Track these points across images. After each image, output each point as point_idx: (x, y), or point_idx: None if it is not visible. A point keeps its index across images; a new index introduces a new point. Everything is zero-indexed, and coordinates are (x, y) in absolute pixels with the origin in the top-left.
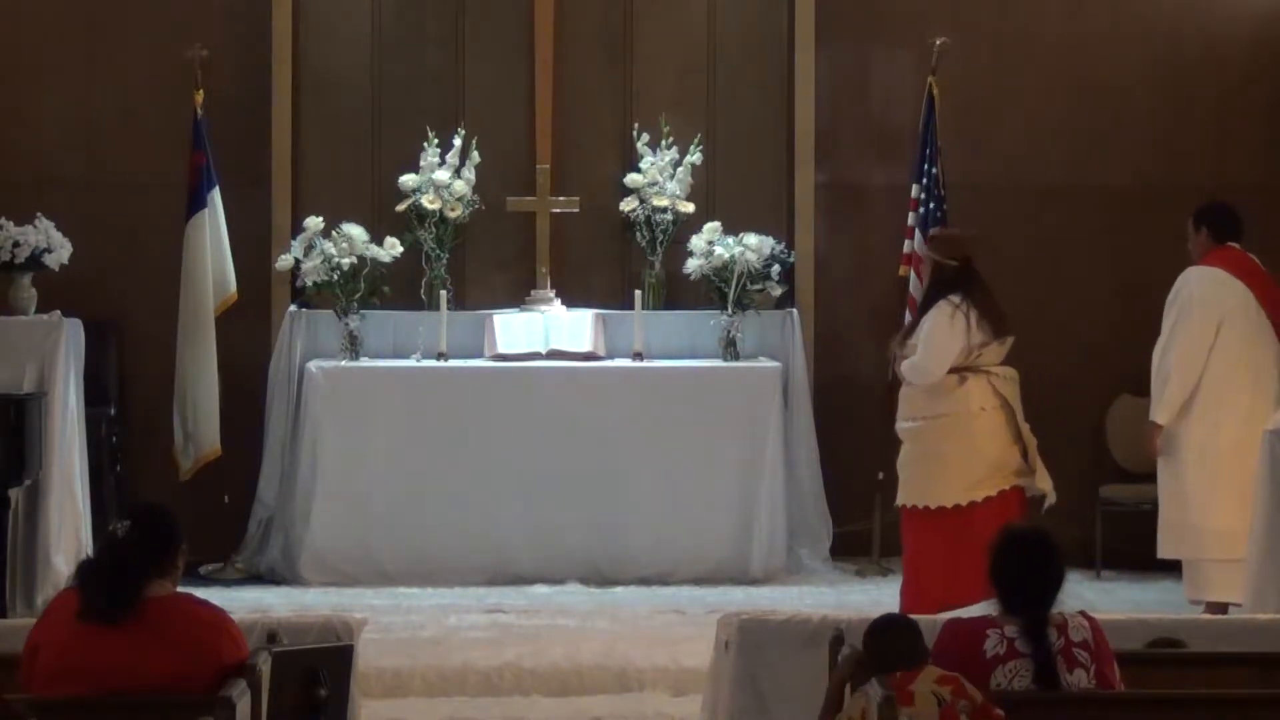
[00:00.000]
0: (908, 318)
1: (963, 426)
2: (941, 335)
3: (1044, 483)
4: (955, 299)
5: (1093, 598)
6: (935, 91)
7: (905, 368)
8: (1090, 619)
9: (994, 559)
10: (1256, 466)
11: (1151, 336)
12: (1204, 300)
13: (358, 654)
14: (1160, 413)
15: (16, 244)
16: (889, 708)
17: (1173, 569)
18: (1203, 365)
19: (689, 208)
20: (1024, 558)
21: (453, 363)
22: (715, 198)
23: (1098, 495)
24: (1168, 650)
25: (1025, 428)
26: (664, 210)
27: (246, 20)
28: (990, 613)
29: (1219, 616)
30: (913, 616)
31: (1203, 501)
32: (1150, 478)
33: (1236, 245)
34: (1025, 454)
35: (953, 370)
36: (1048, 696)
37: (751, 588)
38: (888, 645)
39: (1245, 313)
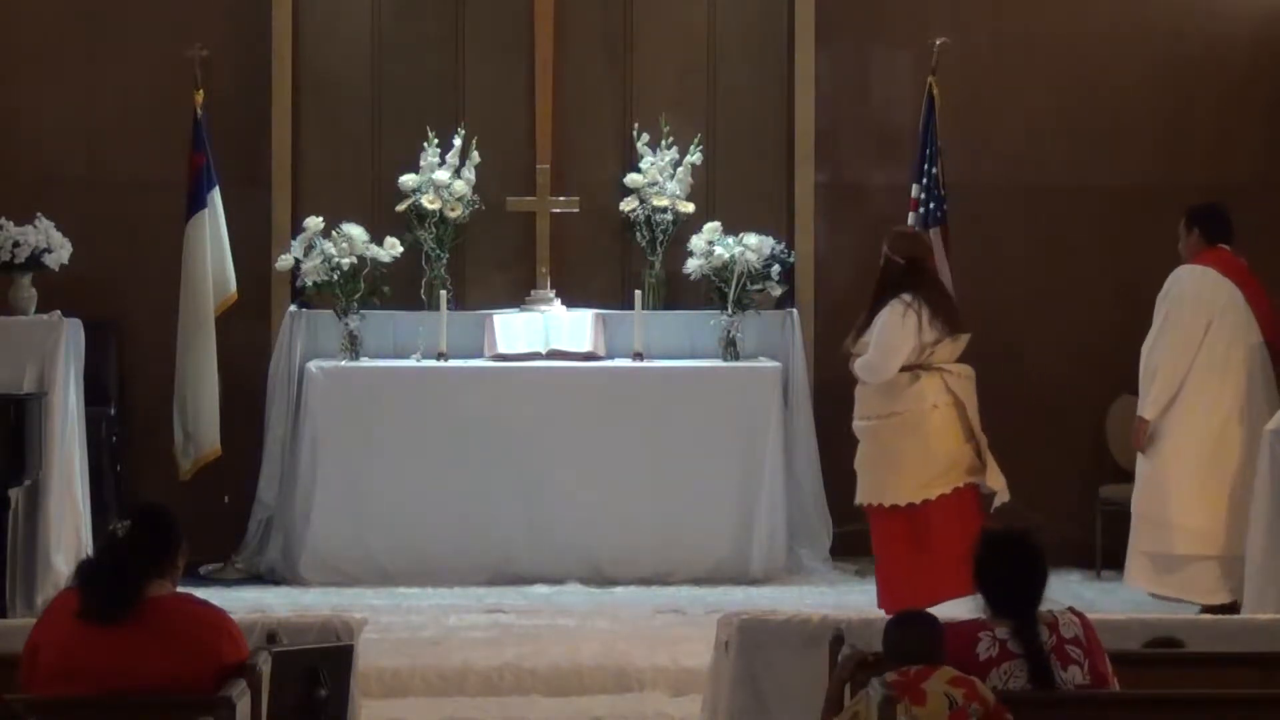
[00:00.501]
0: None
1: (916, 424)
2: (893, 334)
3: (996, 480)
4: (907, 297)
5: (1092, 597)
6: (935, 91)
7: (858, 366)
8: (1080, 615)
9: (978, 563)
10: (1233, 463)
11: None
12: (1194, 298)
13: (358, 654)
14: (1148, 408)
15: (16, 244)
16: (889, 707)
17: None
18: (1190, 362)
19: (689, 208)
20: (1008, 559)
21: (453, 363)
22: (715, 198)
23: (1098, 495)
24: (1168, 650)
25: (978, 425)
26: (664, 210)
27: (246, 20)
28: (980, 615)
29: (1219, 617)
30: (927, 613)
31: (1181, 497)
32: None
33: (1227, 247)
34: (979, 451)
35: (906, 368)
36: (1048, 696)
37: (751, 588)
38: (907, 639)
39: (1234, 312)
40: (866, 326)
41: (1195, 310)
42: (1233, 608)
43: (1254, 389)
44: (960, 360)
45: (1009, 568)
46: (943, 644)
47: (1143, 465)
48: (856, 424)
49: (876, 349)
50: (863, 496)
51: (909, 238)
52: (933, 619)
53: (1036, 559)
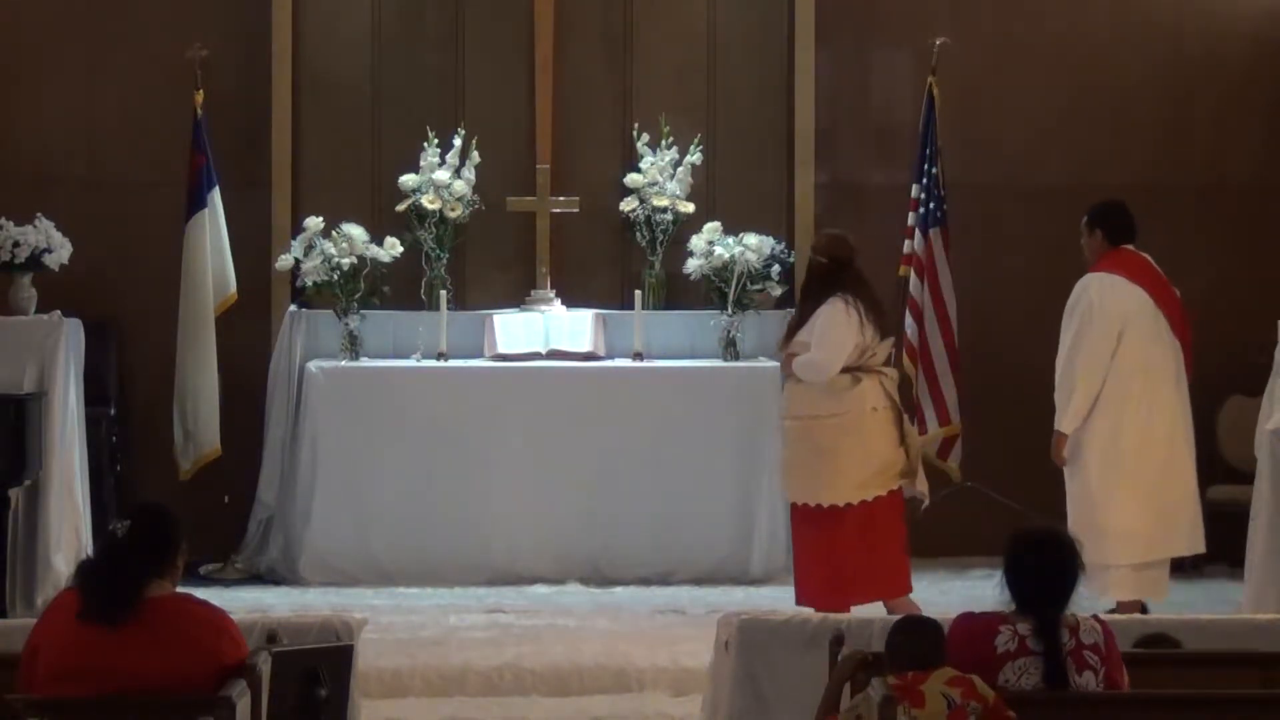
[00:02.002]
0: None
1: (856, 425)
2: (838, 331)
3: (922, 485)
4: (846, 296)
5: (1090, 597)
6: (935, 91)
7: (800, 365)
8: (1103, 622)
9: (1011, 557)
10: (1159, 466)
11: None
12: (1103, 308)
13: (358, 654)
14: (1066, 421)
15: (16, 244)
16: (889, 707)
17: (1173, 570)
18: (1106, 371)
19: (689, 208)
20: (1042, 557)
21: (453, 363)
22: (715, 198)
23: None
24: (1168, 650)
25: (912, 429)
26: (664, 210)
27: (246, 20)
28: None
29: (1218, 617)
30: (930, 619)
31: (1106, 504)
32: None
33: (1131, 247)
34: (908, 454)
35: (845, 369)
36: (1050, 695)
37: (751, 588)
38: (909, 645)
39: (1145, 316)
40: (799, 327)
41: (1106, 320)
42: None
43: (1172, 391)
44: (957, 362)
45: (1041, 565)
46: (944, 649)
47: (1070, 479)
48: (787, 423)
49: (822, 347)
50: (796, 496)
51: (835, 238)
52: (934, 624)
53: (1069, 559)
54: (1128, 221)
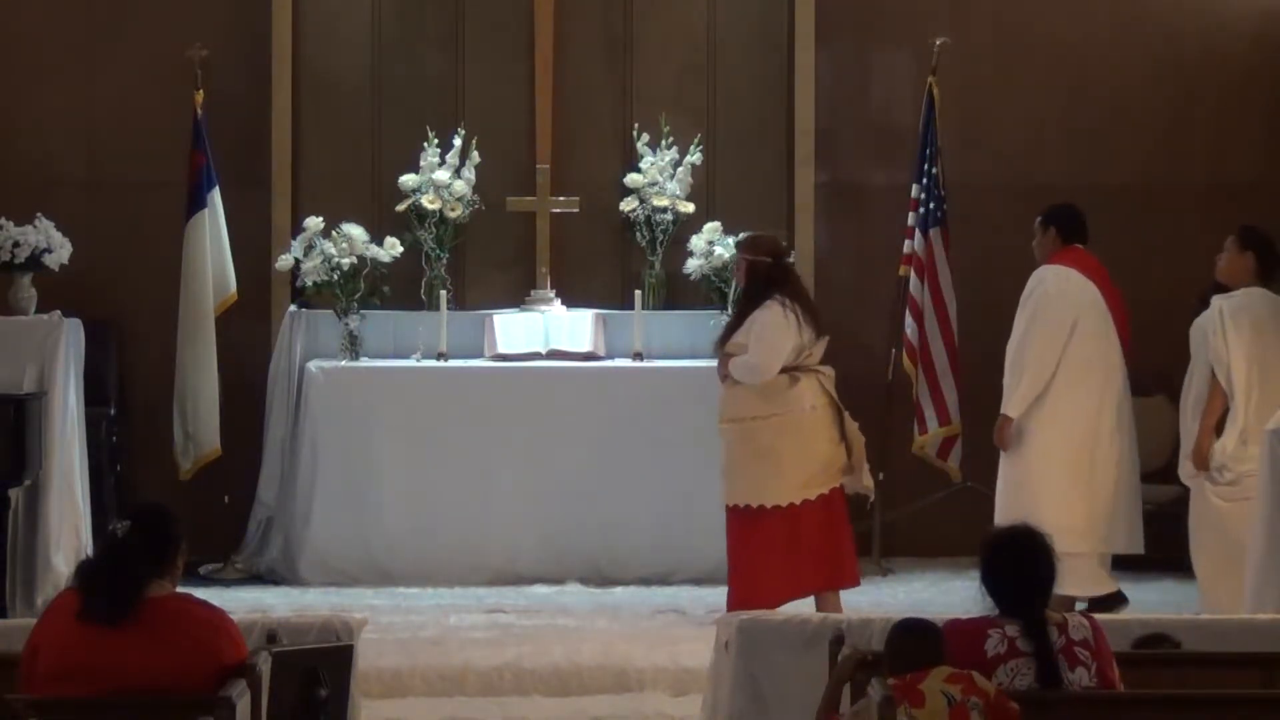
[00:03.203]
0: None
1: (796, 425)
2: (776, 333)
3: (867, 480)
4: (780, 297)
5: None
6: (935, 91)
7: (738, 367)
8: (1091, 619)
9: (985, 561)
10: (1104, 459)
11: (1153, 337)
12: (1059, 297)
13: (358, 654)
14: (1013, 406)
15: (16, 244)
16: (889, 707)
17: (1173, 569)
18: (1057, 361)
19: (689, 208)
20: (1014, 557)
21: (453, 363)
22: (715, 198)
23: None
24: (1169, 650)
25: (853, 426)
26: (664, 210)
27: (246, 20)
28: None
29: (1218, 617)
30: (930, 621)
31: (1047, 496)
32: (1151, 478)
33: (1082, 247)
34: (850, 452)
35: (784, 369)
36: (1049, 696)
37: None
38: (909, 647)
39: (1095, 312)
40: (736, 327)
41: (1061, 309)
42: (1118, 596)
43: (1120, 389)
44: (957, 362)
45: (1014, 566)
46: (943, 650)
47: (1007, 465)
48: (725, 426)
49: (760, 349)
50: (735, 498)
51: (773, 239)
52: (933, 626)
53: (1041, 557)
54: (1080, 222)
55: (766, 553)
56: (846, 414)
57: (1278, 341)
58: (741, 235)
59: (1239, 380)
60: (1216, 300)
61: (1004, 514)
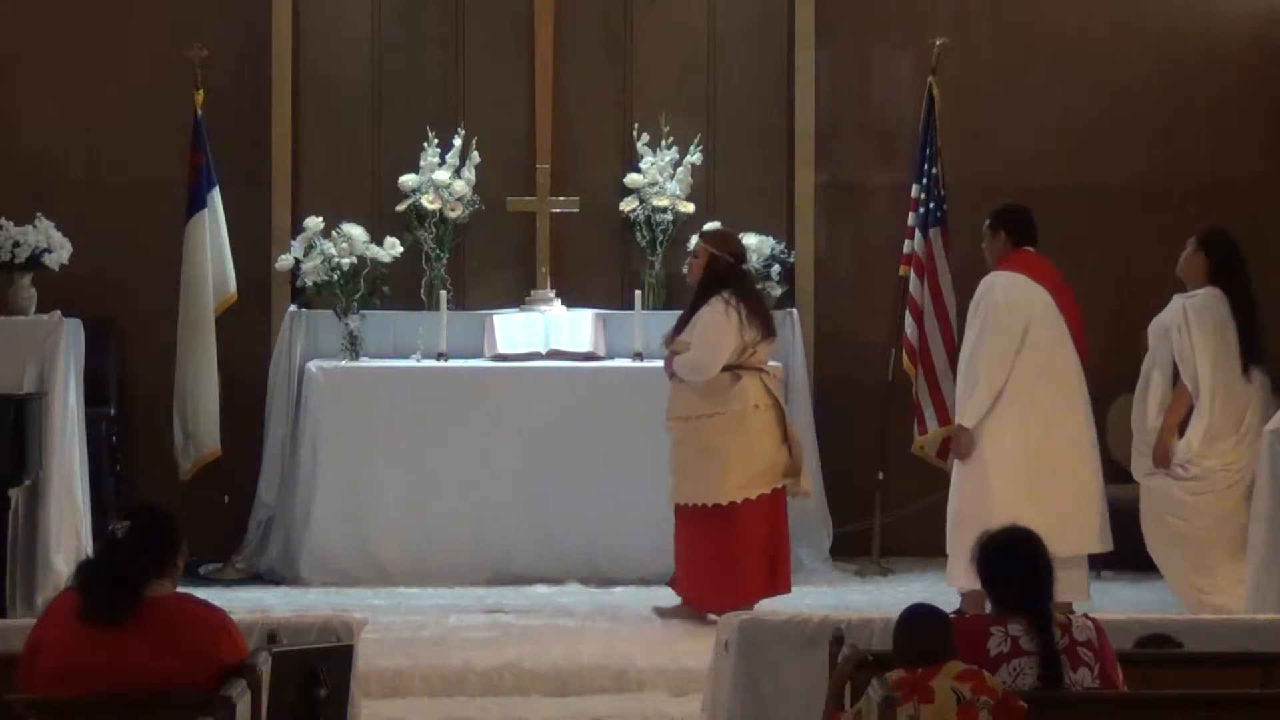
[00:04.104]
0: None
1: (739, 424)
2: (717, 331)
3: (807, 483)
4: (726, 295)
5: (1092, 597)
6: (935, 91)
7: (681, 364)
8: (1094, 620)
9: (981, 563)
10: (1060, 466)
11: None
12: (1009, 304)
13: (358, 654)
14: (968, 416)
15: (16, 244)
16: (888, 707)
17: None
18: (1010, 367)
19: (689, 208)
20: (1009, 557)
21: (453, 363)
22: (715, 198)
23: None
24: (1169, 650)
25: (795, 429)
26: (664, 210)
27: (246, 20)
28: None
29: (1218, 617)
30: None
31: (1005, 501)
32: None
33: (1032, 249)
34: (791, 453)
35: (727, 368)
36: (1050, 696)
37: None
38: (916, 637)
39: (1047, 317)
40: (684, 325)
41: (1011, 316)
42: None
43: (1075, 392)
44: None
45: (1011, 566)
46: (952, 641)
47: (963, 473)
48: (672, 424)
49: (701, 347)
50: (681, 496)
51: (729, 236)
52: (941, 615)
53: (1036, 555)
54: (1030, 224)
55: (714, 552)
56: (789, 415)
57: (1235, 343)
58: (710, 227)
59: (1205, 380)
60: (1179, 299)
61: (962, 522)
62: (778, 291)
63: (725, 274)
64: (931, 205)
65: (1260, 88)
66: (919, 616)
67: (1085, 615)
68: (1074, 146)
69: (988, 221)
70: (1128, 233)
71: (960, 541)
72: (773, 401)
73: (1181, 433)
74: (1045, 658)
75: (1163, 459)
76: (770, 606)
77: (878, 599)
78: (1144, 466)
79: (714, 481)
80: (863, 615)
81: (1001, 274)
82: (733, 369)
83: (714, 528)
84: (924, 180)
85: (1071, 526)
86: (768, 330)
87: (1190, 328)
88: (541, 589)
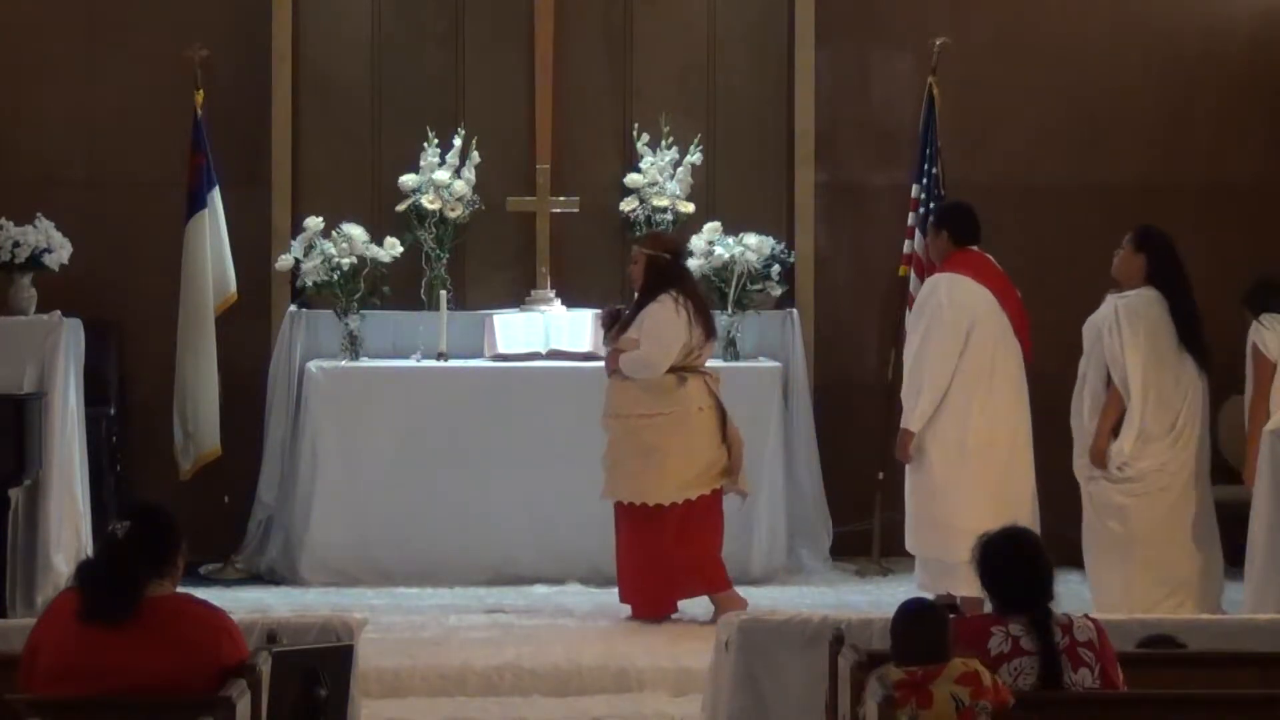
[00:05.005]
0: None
1: (682, 425)
2: (667, 329)
3: (745, 484)
4: (674, 293)
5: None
6: (935, 91)
7: (627, 362)
8: (1095, 621)
9: (982, 563)
10: (1005, 466)
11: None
12: (954, 306)
13: (358, 654)
14: (914, 420)
15: (16, 244)
16: (888, 707)
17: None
18: (952, 371)
19: (689, 208)
20: (1010, 558)
21: (453, 363)
22: (715, 198)
23: None
24: (1168, 650)
25: (734, 429)
26: (664, 210)
27: (246, 20)
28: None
29: (1218, 617)
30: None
31: (952, 501)
32: None
33: (976, 248)
34: (730, 453)
35: (672, 369)
36: (1050, 696)
37: (751, 588)
38: (914, 635)
39: (991, 317)
40: (629, 323)
41: (955, 318)
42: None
43: (1015, 391)
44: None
45: (1011, 565)
46: (950, 639)
47: (913, 476)
48: (611, 421)
49: (651, 344)
50: (618, 494)
51: (670, 236)
52: (941, 614)
53: (1036, 555)
54: (974, 222)
55: (649, 551)
56: (730, 416)
57: (1170, 343)
58: (642, 234)
59: (1135, 382)
60: (1112, 299)
61: (916, 525)
62: (778, 291)
63: (668, 272)
64: (931, 205)
65: (1260, 88)
66: (915, 613)
67: (1086, 615)
68: (1074, 146)
69: (930, 220)
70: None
71: (915, 544)
72: (715, 403)
73: (1116, 433)
74: (1046, 658)
75: (1098, 460)
76: (770, 606)
77: (878, 599)
78: (1085, 469)
79: (653, 481)
80: (863, 615)
81: (945, 275)
82: (677, 371)
83: (652, 527)
84: (924, 180)
85: (1008, 523)
86: (710, 331)
87: (1121, 329)
88: (541, 589)
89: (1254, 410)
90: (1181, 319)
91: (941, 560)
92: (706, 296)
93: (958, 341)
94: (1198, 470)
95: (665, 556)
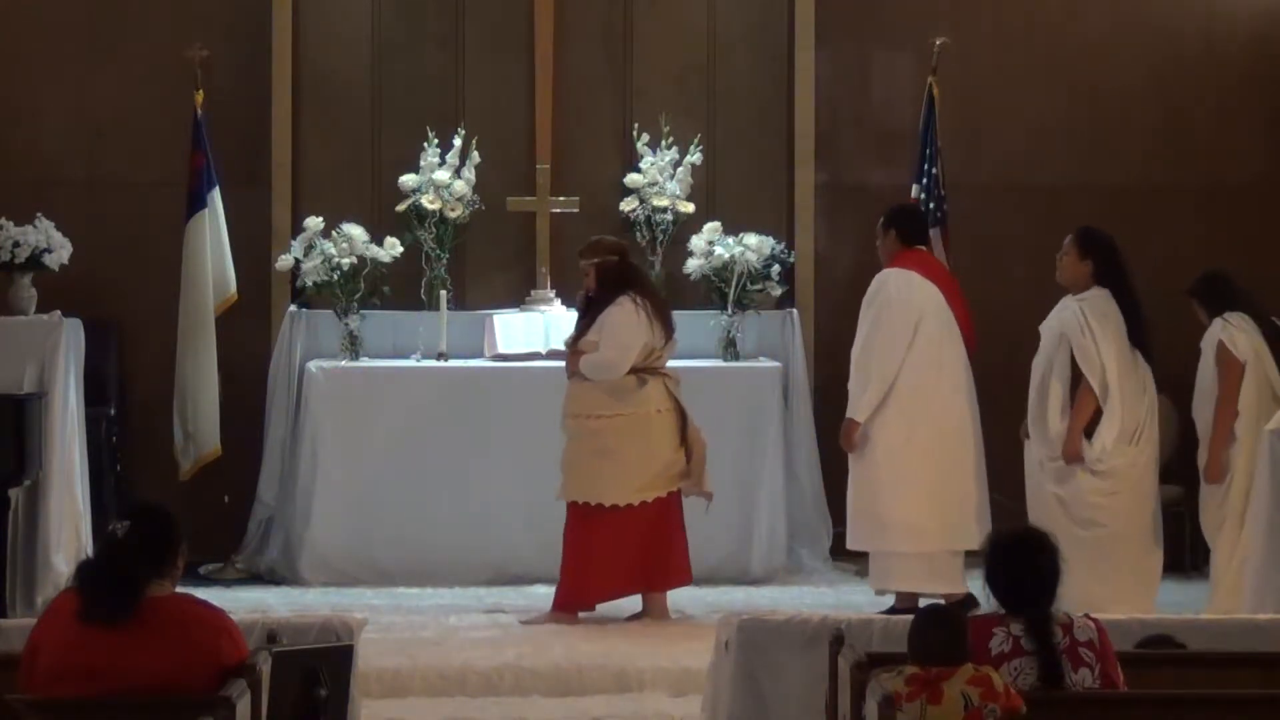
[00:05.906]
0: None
1: (640, 427)
2: (628, 330)
3: (708, 485)
4: (632, 295)
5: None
6: (935, 91)
7: (588, 364)
8: (1095, 621)
9: (988, 561)
10: (952, 460)
11: (1152, 337)
12: (901, 300)
13: (358, 654)
14: (860, 411)
15: (16, 244)
16: (888, 707)
17: (1173, 570)
18: (900, 364)
19: (689, 208)
20: (1016, 557)
21: (453, 363)
22: (715, 198)
23: None
24: (1168, 650)
25: (694, 431)
26: (664, 210)
27: (246, 20)
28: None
29: (1218, 617)
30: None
31: (892, 495)
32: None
33: (924, 248)
34: (690, 457)
35: (632, 371)
36: (1050, 696)
37: (751, 588)
38: (932, 637)
39: (938, 314)
40: (588, 326)
41: (904, 312)
42: (969, 599)
43: (963, 387)
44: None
45: (1017, 565)
46: (967, 643)
47: (857, 467)
48: (569, 421)
49: (611, 346)
50: (575, 494)
51: (607, 239)
52: (960, 617)
53: (1043, 556)
54: (922, 224)
55: (599, 550)
56: (690, 418)
57: (1126, 343)
58: (582, 245)
59: (1113, 380)
60: (1072, 301)
61: (857, 516)
62: (778, 291)
63: (622, 273)
64: (931, 205)
65: (1260, 88)
66: (938, 618)
67: (1086, 615)
68: (1074, 146)
69: (880, 221)
70: (1127, 232)
71: (852, 540)
72: (674, 405)
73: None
74: (1046, 658)
75: (1075, 459)
76: (770, 606)
77: (878, 599)
78: (1054, 473)
79: (610, 483)
80: (863, 615)
81: (894, 271)
82: (637, 372)
83: (604, 527)
84: (924, 180)
85: (951, 520)
86: (669, 331)
87: (1093, 330)
88: (541, 589)
89: (1221, 409)
90: (1130, 318)
91: (880, 550)
92: (666, 296)
93: (906, 335)
94: (1155, 468)
95: (611, 554)
